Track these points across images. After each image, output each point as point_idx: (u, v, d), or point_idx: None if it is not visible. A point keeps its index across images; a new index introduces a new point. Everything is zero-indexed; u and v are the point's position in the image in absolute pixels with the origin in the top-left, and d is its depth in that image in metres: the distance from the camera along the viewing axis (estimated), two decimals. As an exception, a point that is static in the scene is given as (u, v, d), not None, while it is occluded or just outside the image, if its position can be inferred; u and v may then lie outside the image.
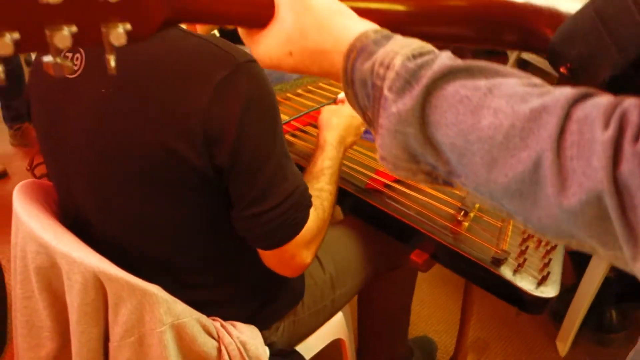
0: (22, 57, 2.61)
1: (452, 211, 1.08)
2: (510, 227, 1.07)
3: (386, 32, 0.50)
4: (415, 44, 0.47)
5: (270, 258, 0.89)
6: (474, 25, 0.57)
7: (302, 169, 1.01)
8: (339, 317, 1.22)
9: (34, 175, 2.22)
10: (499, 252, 0.98)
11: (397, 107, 0.44)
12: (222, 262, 0.94)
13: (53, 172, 0.97)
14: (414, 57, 0.45)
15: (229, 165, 0.79)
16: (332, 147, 1.04)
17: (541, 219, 0.39)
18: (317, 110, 1.32)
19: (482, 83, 0.42)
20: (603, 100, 0.37)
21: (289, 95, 1.51)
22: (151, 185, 0.81)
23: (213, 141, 0.76)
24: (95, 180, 0.85)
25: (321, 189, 0.96)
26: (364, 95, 0.48)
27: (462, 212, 1.07)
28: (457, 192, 1.13)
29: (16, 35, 0.41)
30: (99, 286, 0.81)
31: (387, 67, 0.45)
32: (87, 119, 0.82)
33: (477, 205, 1.11)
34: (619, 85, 0.49)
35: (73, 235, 0.86)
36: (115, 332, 0.83)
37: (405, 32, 0.50)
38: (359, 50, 0.48)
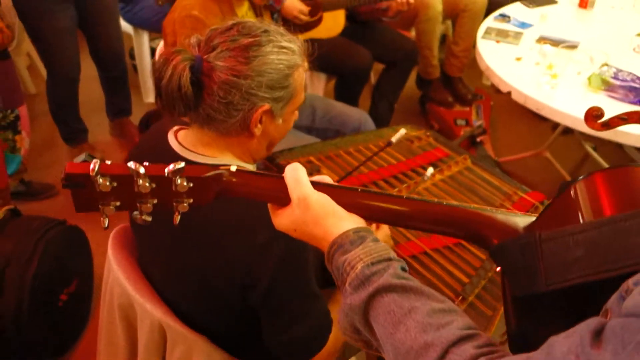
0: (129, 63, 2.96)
1: (452, 294, 1.29)
2: (498, 317, 1.27)
3: (362, 232, 0.73)
4: (376, 253, 0.69)
5: None
6: (435, 224, 0.79)
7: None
8: None
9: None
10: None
11: (351, 299, 0.68)
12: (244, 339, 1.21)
13: (138, 238, 1.26)
14: (372, 264, 0.68)
15: (260, 305, 1.05)
16: None
17: None
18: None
19: (407, 304, 0.64)
20: (473, 351, 0.58)
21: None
22: (196, 298, 1.10)
23: (248, 287, 1.03)
24: (166, 268, 1.15)
25: None
26: (337, 277, 0.72)
27: (460, 298, 1.27)
28: (461, 277, 1.33)
29: (118, 203, 0.69)
30: (162, 330, 1.10)
31: (352, 268, 0.69)
32: (166, 232, 1.09)
33: (476, 291, 1.31)
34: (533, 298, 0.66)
35: (149, 287, 1.15)
36: (170, 365, 1.12)
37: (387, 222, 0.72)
38: (338, 246, 0.72)
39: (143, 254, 1.24)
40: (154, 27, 3.04)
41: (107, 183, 0.66)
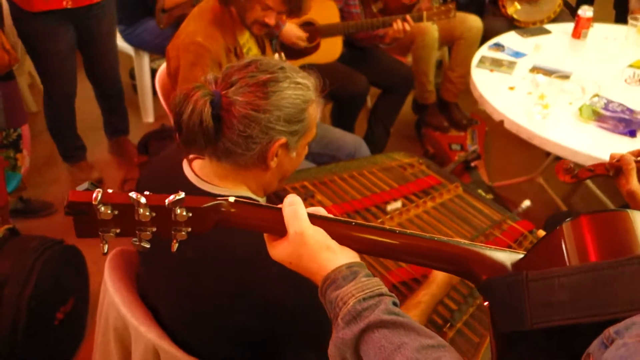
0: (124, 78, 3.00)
1: (440, 321, 1.31)
2: (485, 344, 1.29)
3: (355, 267, 0.75)
4: (368, 289, 0.72)
5: None
6: (426, 259, 0.82)
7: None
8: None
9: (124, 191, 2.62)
10: (469, 368, 1.21)
11: (343, 333, 0.71)
12: None
13: (142, 256, 1.27)
14: (364, 299, 0.71)
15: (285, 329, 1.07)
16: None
17: None
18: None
19: (397, 340, 0.67)
20: None
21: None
22: (208, 319, 1.11)
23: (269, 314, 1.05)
24: (173, 292, 1.15)
25: None
26: (329, 311, 0.75)
27: (448, 324, 1.30)
28: (450, 304, 1.36)
29: (118, 230, 0.71)
30: (156, 353, 1.12)
31: (344, 303, 0.72)
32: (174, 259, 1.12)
33: (464, 318, 1.33)
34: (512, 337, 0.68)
35: (145, 310, 1.18)
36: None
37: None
38: (332, 281, 0.75)
39: (145, 273, 1.25)
40: (155, 49, 3.10)
41: (109, 211, 0.68)
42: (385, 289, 0.74)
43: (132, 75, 3.56)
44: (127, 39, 3.13)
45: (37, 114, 3.35)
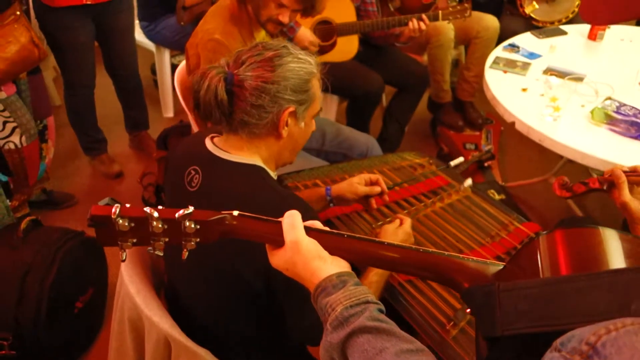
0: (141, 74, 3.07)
1: (444, 319, 1.35)
2: (487, 343, 1.33)
3: (345, 277, 0.82)
4: (355, 297, 0.79)
5: None
6: (412, 268, 0.88)
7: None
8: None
9: (142, 186, 2.69)
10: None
11: (331, 337, 0.78)
12: (258, 347, 1.29)
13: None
14: (351, 306, 0.78)
15: (283, 290, 1.14)
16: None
17: None
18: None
19: (379, 344, 0.73)
20: None
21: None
22: (223, 289, 1.20)
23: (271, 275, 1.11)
24: (192, 271, 1.24)
25: None
26: (320, 316, 0.82)
27: (452, 323, 1.33)
28: (454, 303, 1.39)
29: (134, 240, 0.79)
30: (167, 343, 1.18)
31: (333, 310, 0.79)
32: None
33: (467, 317, 1.37)
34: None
35: (158, 301, 1.23)
36: (173, 376, 1.20)
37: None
38: (322, 289, 0.82)
39: (172, 262, 1.34)
40: (175, 46, 3.16)
41: (126, 224, 0.77)
42: (371, 297, 0.80)
43: (153, 71, 3.63)
44: (148, 35, 3.20)
45: (61, 107, 3.44)
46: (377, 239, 0.89)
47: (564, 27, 2.90)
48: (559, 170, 2.80)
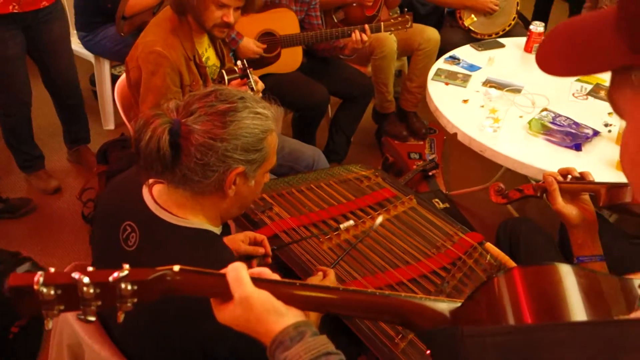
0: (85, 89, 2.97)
1: (392, 332, 1.36)
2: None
3: (302, 327, 0.79)
4: (315, 349, 0.77)
5: None
6: (369, 312, 0.87)
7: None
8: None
9: (82, 202, 2.60)
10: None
11: None
12: None
13: None
14: None
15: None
16: None
17: None
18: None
19: None
20: None
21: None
22: (152, 336, 1.11)
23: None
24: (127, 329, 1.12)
25: None
26: None
27: (400, 336, 1.34)
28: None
29: (62, 307, 0.70)
30: (109, 370, 1.13)
31: None
32: None
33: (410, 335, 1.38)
34: None
35: (99, 327, 1.18)
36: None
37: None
38: (279, 343, 0.79)
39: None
40: (116, 56, 3.08)
41: (52, 292, 0.68)
42: (330, 347, 0.78)
43: (92, 82, 3.52)
44: (87, 46, 3.10)
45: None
46: (331, 286, 0.86)
47: (501, 40, 2.99)
48: (500, 178, 2.88)
